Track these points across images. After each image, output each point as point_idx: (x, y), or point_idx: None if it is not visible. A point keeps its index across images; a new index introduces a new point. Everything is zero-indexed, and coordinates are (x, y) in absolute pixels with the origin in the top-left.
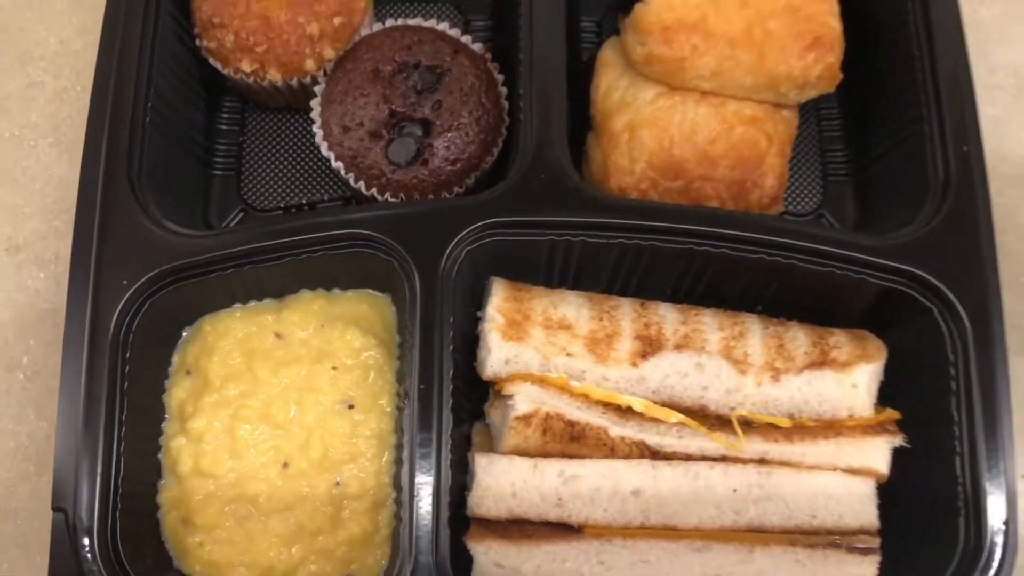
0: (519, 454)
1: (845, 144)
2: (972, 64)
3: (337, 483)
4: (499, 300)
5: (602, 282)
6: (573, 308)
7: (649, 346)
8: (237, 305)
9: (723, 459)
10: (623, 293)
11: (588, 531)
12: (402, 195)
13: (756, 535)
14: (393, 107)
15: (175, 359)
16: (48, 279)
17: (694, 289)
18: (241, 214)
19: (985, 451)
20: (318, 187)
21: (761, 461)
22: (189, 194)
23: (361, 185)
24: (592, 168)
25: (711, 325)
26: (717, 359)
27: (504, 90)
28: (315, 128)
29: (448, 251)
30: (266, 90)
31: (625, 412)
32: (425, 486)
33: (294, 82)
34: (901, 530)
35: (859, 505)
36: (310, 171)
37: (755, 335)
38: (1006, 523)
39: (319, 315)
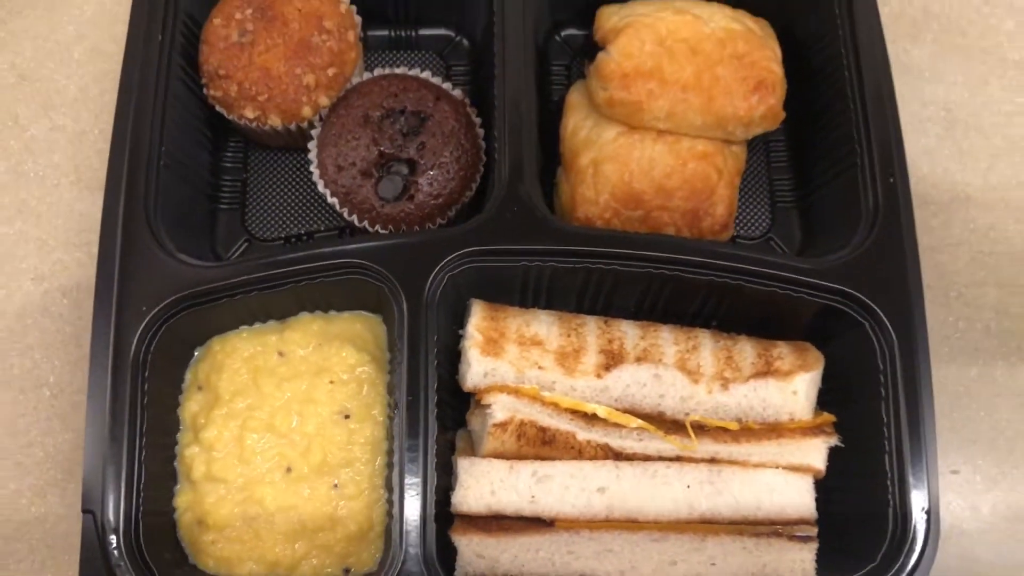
0: (497, 457)
1: (791, 174)
2: (905, 100)
3: (335, 485)
4: (478, 320)
5: (571, 302)
6: (544, 326)
7: (612, 359)
8: (244, 327)
9: (678, 459)
10: (590, 312)
11: (559, 524)
12: (391, 227)
13: (708, 526)
14: (382, 148)
15: (188, 376)
16: (71, 305)
17: (654, 308)
18: (245, 244)
19: (910, 449)
20: (315, 219)
21: (712, 460)
22: (198, 227)
23: (354, 218)
24: (562, 200)
25: (668, 340)
26: (673, 370)
27: (481, 131)
28: (312, 167)
29: (432, 276)
30: (267, 133)
31: (591, 418)
32: (414, 487)
33: (293, 126)
34: (836, 519)
35: (799, 498)
36: (307, 205)
37: (707, 348)
38: (928, 511)
39: (318, 335)
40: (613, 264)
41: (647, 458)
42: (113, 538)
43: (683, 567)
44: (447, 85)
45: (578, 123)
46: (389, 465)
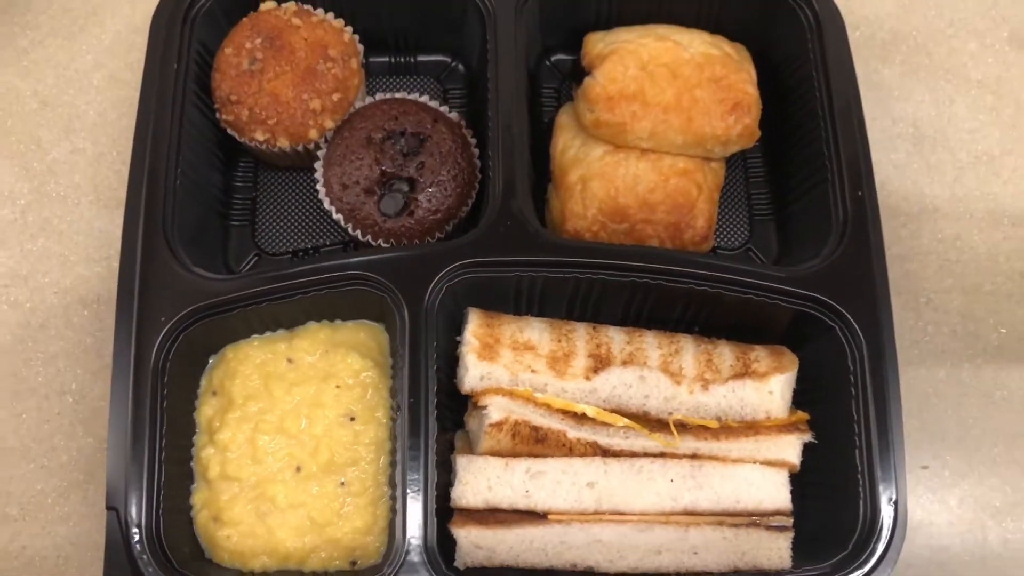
0: (493, 455)
1: (768, 189)
2: (876, 117)
3: (342, 483)
4: (474, 327)
5: (561, 310)
6: (536, 332)
7: (600, 363)
8: (255, 335)
9: (662, 455)
10: (579, 319)
11: (551, 517)
12: (392, 241)
13: (690, 517)
14: (384, 168)
15: (203, 382)
16: (91, 317)
17: (639, 315)
18: (255, 258)
19: (878, 444)
20: (321, 234)
21: (693, 456)
22: (211, 242)
23: (358, 233)
24: (552, 214)
25: (652, 344)
26: (657, 373)
27: (476, 151)
28: (318, 186)
29: (431, 287)
30: (276, 154)
31: (580, 418)
32: (415, 483)
33: (300, 148)
34: (811, 510)
35: (775, 491)
36: (314, 220)
37: (688, 352)
38: (895, 502)
39: (324, 342)
40: (600, 274)
41: (633, 455)
42: (136, 533)
43: (668, 556)
44: (444, 108)
45: (567, 143)
46: (392, 464)
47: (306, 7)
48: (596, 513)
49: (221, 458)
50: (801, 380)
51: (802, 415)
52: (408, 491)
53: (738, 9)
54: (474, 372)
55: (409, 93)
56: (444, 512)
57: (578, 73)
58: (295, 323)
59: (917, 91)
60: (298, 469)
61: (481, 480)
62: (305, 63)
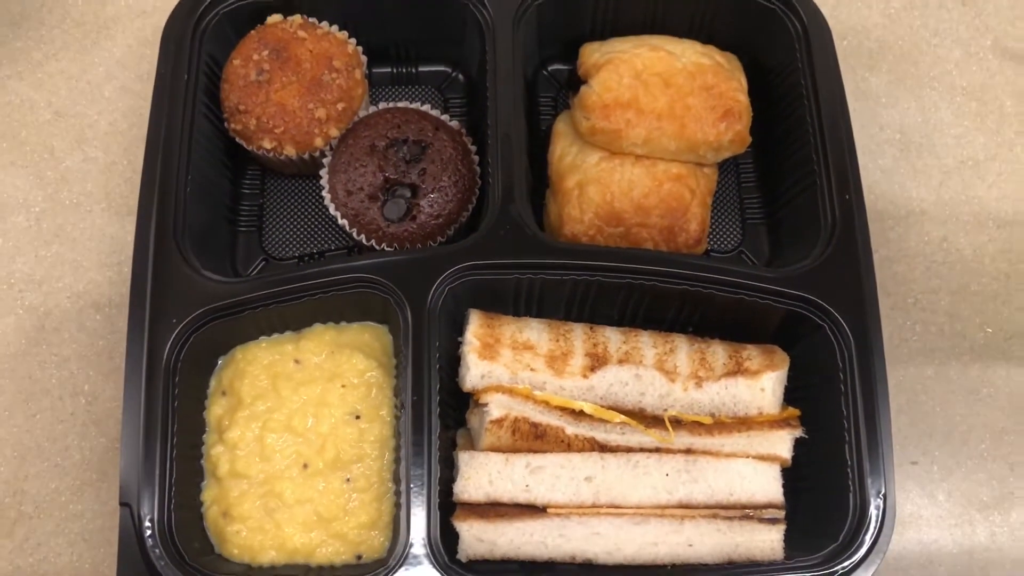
0: (494, 451)
1: (759, 193)
2: (864, 123)
3: (348, 479)
4: (475, 327)
5: (559, 311)
6: (535, 332)
7: (597, 361)
8: (263, 337)
9: (657, 450)
10: (577, 320)
11: (551, 511)
12: (396, 245)
13: (685, 510)
14: (387, 175)
15: (213, 382)
16: (104, 320)
17: (635, 315)
18: (263, 263)
19: (866, 439)
20: (326, 239)
21: (688, 451)
22: (220, 248)
23: (362, 238)
24: (550, 219)
25: (647, 343)
26: (652, 371)
27: (476, 158)
28: (324, 192)
29: (433, 289)
30: (283, 162)
31: (578, 415)
32: (418, 478)
33: (306, 156)
34: (803, 504)
35: (767, 484)
36: (319, 226)
37: (683, 351)
38: (883, 496)
39: (330, 343)
40: (597, 276)
41: (629, 450)
42: (148, 528)
43: (664, 548)
44: (445, 116)
45: (564, 149)
46: (396, 460)
47: (311, 20)
48: (594, 506)
49: (230, 456)
50: (792, 377)
51: (793, 411)
52: (412, 487)
53: (729, 20)
54: (475, 371)
55: (411, 102)
56: (447, 507)
57: (574, 82)
58: (302, 325)
59: (903, 98)
60: (305, 466)
61: (482, 475)
62: (311, 74)
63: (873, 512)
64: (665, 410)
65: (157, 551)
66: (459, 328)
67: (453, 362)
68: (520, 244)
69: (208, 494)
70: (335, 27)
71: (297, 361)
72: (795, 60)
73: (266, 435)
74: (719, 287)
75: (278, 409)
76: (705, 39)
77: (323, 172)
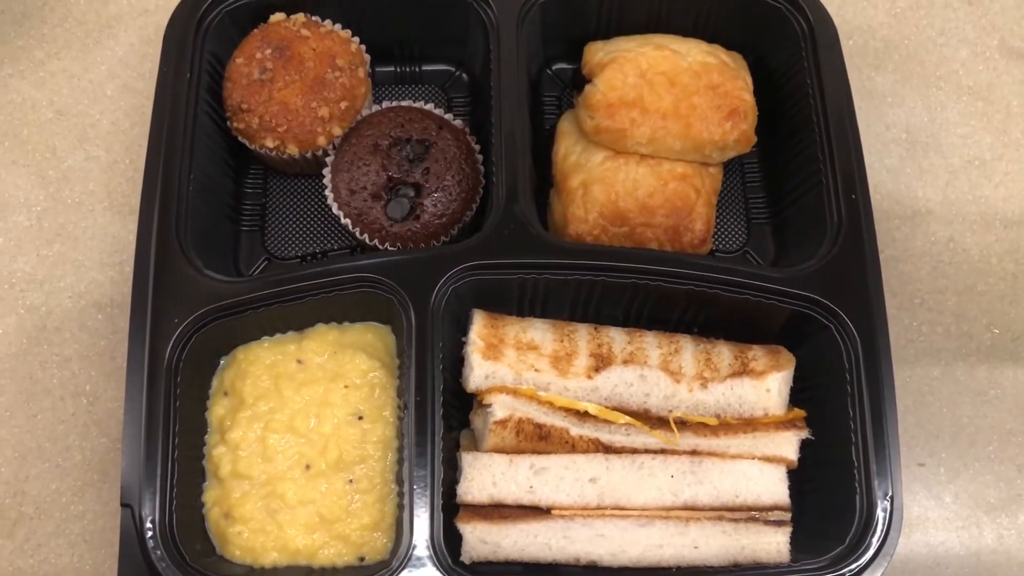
0: (498, 452)
1: (764, 193)
2: (870, 123)
3: (350, 480)
4: (479, 327)
5: (564, 311)
6: (539, 332)
7: (601, 362)
8: (265, 337)
9: (662, 452)
10: (581, 320)
11: (555, 512)
12: (399, 244)
13: (690, 512)
14: (390, 174)
15: (215, 383)
16: (105, 320)
17: (640, 316)
18: (265, 262)
19: (873, 440)
20: (329, 238)
21: (693, 453)
22: (223, 247)
23: (365, 237)
24: (554, 218)
25: (652, 344)
26: (657, 371)
27: (480, 157)
28: (327, 191)
29: (437, 289)
30: (285, 161)
31: (583, 415)
32: (422, 479)
33: (309, 155)
34: (809, 506)
35: (773, 486)
36: (322, 226)
37: (688, 351)
38: (890, 497)
39: (333, 344)
40: (601, 276)
41: (634, 451)
42: (149, 529)
43: (669, 550)
44: (449, 115)
45: (568, 148)
46: (399, 461)
47: (314, 18)
48: (599, 508)
49: (232, 456)
50: (798, 378)
51: (799, 412)
52: (415, 488)
53: (734, 19)
54: (479, 371)
55: (415, 101)
56: (450, 508)
57: (579, 81)
58: (304, 325)
59: (910, 98)
60: (307, 467)
61: (486, 476)
62: (314, 72)
63: (880, 514)
64: (670, 411)
65: (158, 552)
66: (463, 328)
67: (457, 363)
68: (524, 244)
69: (210, 495)
70: (338, 25)
71: (299, 361)
72: (801, 59)
73: (268, 436)
74: (724, 287)
75: (280, 410)
76: (710, 38)
77: (326, 171)
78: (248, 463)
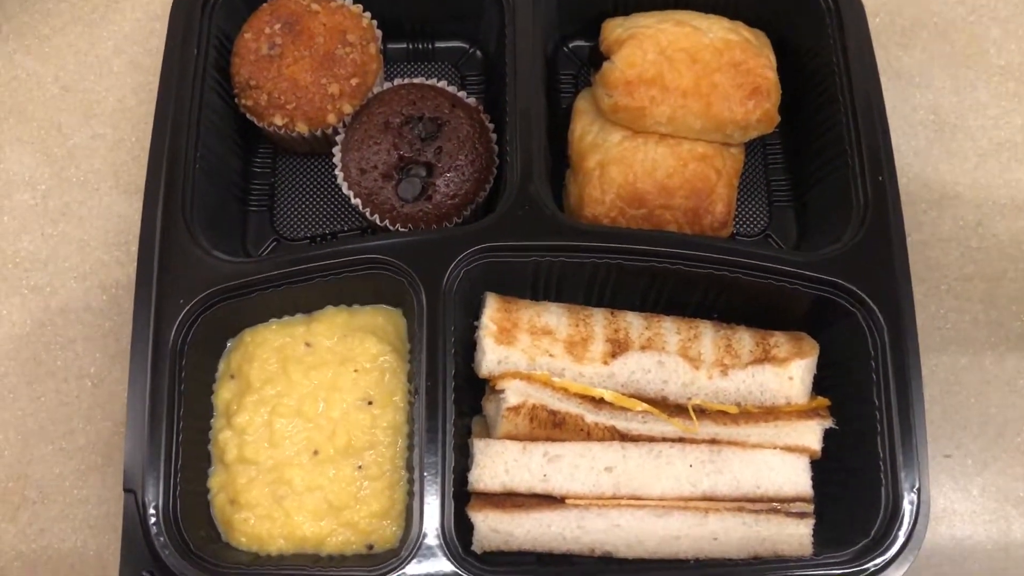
0: (511, 439)
1: (787, 175)
2: (897, 104)
3: (359, 467)
4: (492, 311)
5: (579, 296)
6: (554, 317)
7: (618, 347)
8: (273, 319)
9: (681, 440)
10: (597, 305)
11: (569, 501)
12: (410, 225)
13: (709, 503)
14: (401, 153)
15: (221, 366)
16: (110, 301)
17: (657, 300)
18: (274, 243)
19: (899, 431)
20: (339, 219)
21: (713, 441)
22: (230, 228)
23: (376, 218)
24: (570, 200)
25: (671, 330)
26: (675, 357)
27: (494, 136)
28: (337, 171)
29: (449, 271)
30: (295, 139)
31: (598, 402)
32: (433, 467)
33: (318, 133)
34: (832, 497)
35: (795, 477)
36: (332, 206)
37: (707, 337)
38: (917, 489)
39: (342, 327)
40: (618, 259)
41: (652, 439)
42: (153, 515)
43: (686, 542)
44: (462, 93)
45: (585, 128)
46: (410, 448)
47: None
48: (614, 497)
49: (238, 441)
50: (821, 366)
51: (823, 401)
52: (425, 475)
53: None
54: (492, 356)
55: (427, 79)
56: (461, 496)
57: (596, 59)
58: (313, 307)
59: (938, 78)
60: (315, 453)
61: (498, 464)
62: (324, 48)
63: (907, 507)
64: (689, 398)
65: (162, 539)
66: (475, 312)
67: (469, 347)
68: (539, 225)
69: (215, 480)
70: (349, 0)
71: (308, 344)
72: (826, 37)
73: (275, 420)
74: (746, 271)
75: (288, 394)
76: (732, 15)
77: (336, 150)
78: (255, 448)
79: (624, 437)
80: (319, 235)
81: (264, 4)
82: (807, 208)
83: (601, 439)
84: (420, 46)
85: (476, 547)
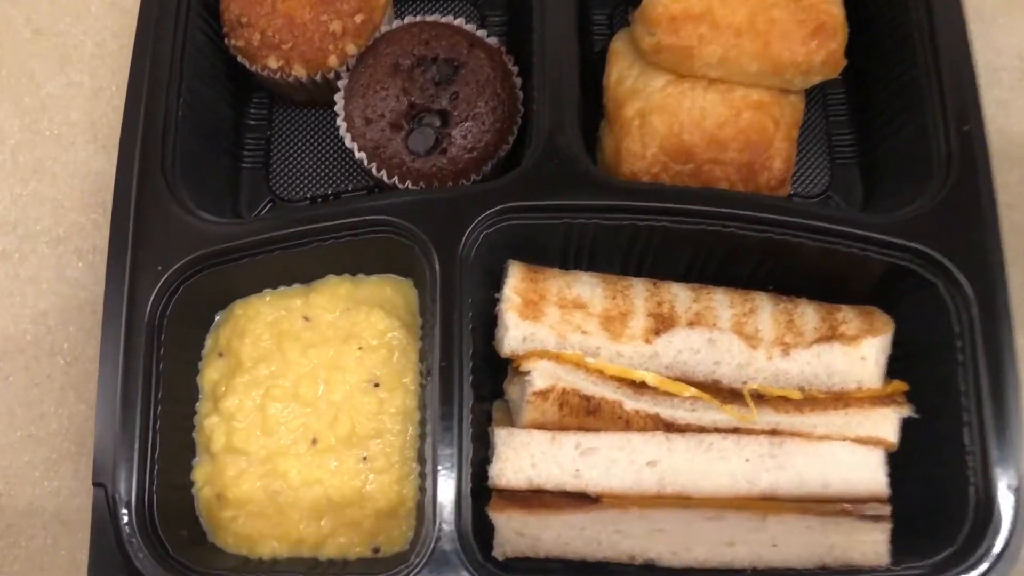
0: (538, 428)
1: (851, 127)
2: (977, 48)
3: (364, 458)
4: (516, 281)
5: (616, 264)
6: (587, 288)
7: (662, 323)
8: (267, 290)
9: (735, 431)
10: (636, 275)
11: (605, 501)
12: (422, 183)
13: (769, 503)
14: (412, 99)
15: (208, 342)
16: (86, 269)
17: (704, 270)
18: (270, 205)
19: (993, 420)
20: (342, 178)
21: (773, 432)
22: (220, 186)
23: (383, 174)
24: (605, 155)
25: (723, 303)
26: (729, 335)
27: (519, 81)
28: (339, 121)
29: (466, 235)
30: (292, 86)
31: (639, 387)
32: (448, 459)
33: (318, 77)
34: (912, 498)
35: (869, 473)
36: (334, 163)
37: (765, 311)
38: (1016, 489)
39: (345, 299)
40: (663, 221)
41: (701, 429)
42: (125, 514)
43: (742, 548)
44: (481, 32)
45: (623, 72)
46: (421, 436)
47: None
48: (658, 496)
49: (227, 428)
50: (895, 345)
51: (899, 385)
52: (439, 468)
53: None
54: (515, 333)
55: (442, 16)
56: (481, 493)
57: None
58: (312, 276)
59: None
60: (314, 441)
61: (524, 456)
62: None
63: (1002, 510)
64: (745, 382)
65: (135, 541)
66: (496, 282)
67: (489, 322)
68: (570, 182)
69: (200, 473)
70: None
71: (306, 318)
72: None
73: (269, 404)
74: (810, 235)
75: (283, 374)
76: None
77: (338, 97)
78: (245, 436)
79: (669, 427)
80: (320, 195)
81: None
82: (876, 165)
83: (643, 429)
84: None
85: (497, 552)
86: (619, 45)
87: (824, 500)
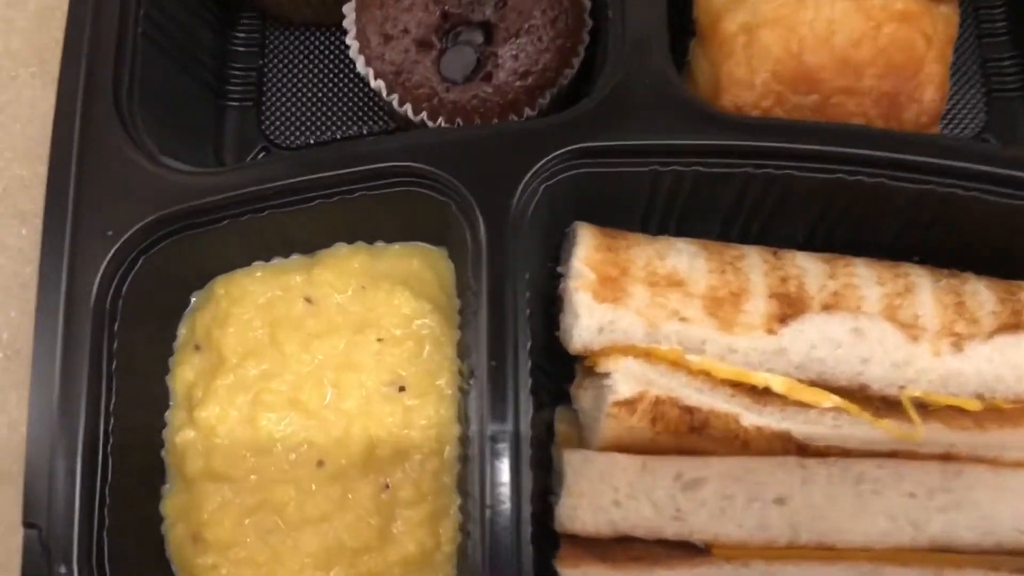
0: (621, 450)
1: (1013, 51)
2: None
3: (386, 486)
4: (588, 251)
5: (713, 227)
6: (685, 259)
7: (789, 307)
8: (257, 263)
9: (894, 455)
10: (741, 241)
11: (717, 552)
12: (459, 120)
13: (944, 556)
14: (446, 8)
15: (181, 331)
16: (31, 236)
17: (831, 236)
18: (263, 153)
19: None
20: (355, 118)
21: (946, 456)
22: (198, 128)
23: (408, 109)
24: (698, 83)
25: (867, 279)
26: (879, 322)
27: None
28: (349, 39)
29: (520, 189)
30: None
31: (761, 394)
32: (500, 491)
33: None
34: None
35: None
36: (345, 99)
37: (925, 290)
38: None
39: (359, 274)
40: (788, 167)
41: (846, 453)
42: (63, 566)
43: None
44: None
45: None
46: (462, 459)
47: None
48: (790, 547)
49: (205, 445)
50: None
51: None
52: (487, 504)
53: None
54: (589, 321)
55: None
56: (545, 538)
57: None
58: (316, 246)
59: None
60: (320, 464)
61: (604, 491)
62: None
63: None
64: (903, 388)
65: None
66: (559, 252)
67: (551, 305)
68: (661, 115)
69: (171, 505)
70: None
71: (309, 300)
72: None
73: (260, 414)
74: (986, 188)
75: (279, 374)
76: None
77: (348, 8)
78: (229, 456)
79: (803, 450)
80: (327, 141)
81: None
82: None
83: (767, 453)
84: None
85: None
86: None
87: (1018, 553)
